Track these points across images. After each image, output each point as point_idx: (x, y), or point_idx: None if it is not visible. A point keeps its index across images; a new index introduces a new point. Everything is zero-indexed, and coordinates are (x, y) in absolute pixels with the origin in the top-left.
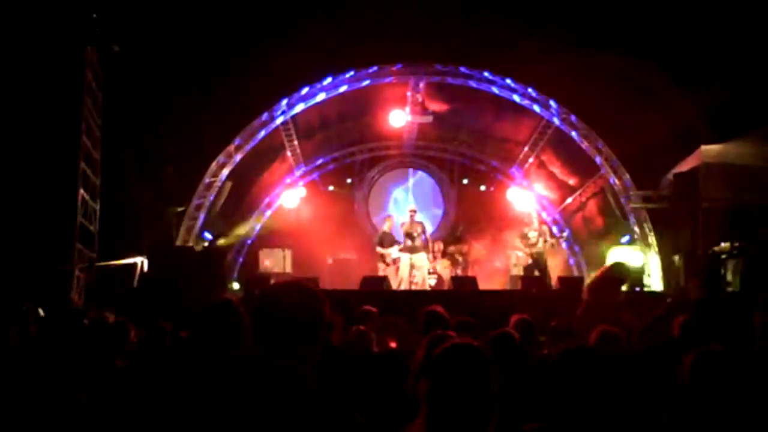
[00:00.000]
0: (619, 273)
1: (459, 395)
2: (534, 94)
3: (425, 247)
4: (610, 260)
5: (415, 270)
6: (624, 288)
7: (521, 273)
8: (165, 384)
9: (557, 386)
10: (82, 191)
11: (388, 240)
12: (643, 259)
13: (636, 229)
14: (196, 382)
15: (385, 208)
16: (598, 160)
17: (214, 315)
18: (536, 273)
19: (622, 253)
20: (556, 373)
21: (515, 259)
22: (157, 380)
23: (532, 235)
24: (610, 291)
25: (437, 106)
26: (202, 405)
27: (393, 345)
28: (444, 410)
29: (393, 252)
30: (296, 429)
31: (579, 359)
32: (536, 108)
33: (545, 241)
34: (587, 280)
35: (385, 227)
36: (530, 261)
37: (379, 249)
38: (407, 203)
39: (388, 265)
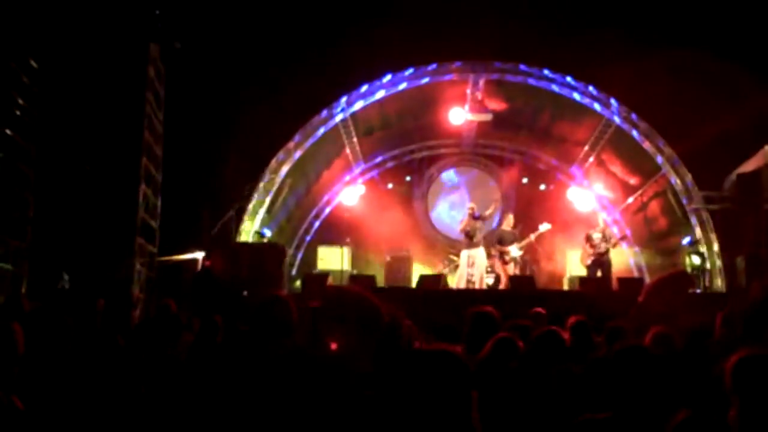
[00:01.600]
0: (682, 281)
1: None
2: (594, 92)
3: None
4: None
5: (472, 268)
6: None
7: (581, 273)
8: (216, 376)
9: (611, 385)
10: (143, 186)
11: (508, 238)
12: (704, 261)
13: (698, 230)
14: (248, 372)
15: (445, 205)
16: (659, 159)
17: (264, 309)
18: (599, 274)
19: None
20: (610, 372)
21: (576, 259)
22: (210, 372)
23: (597, 237)
24: (670, 295)
25: (496, 104)
26: (251, 393)
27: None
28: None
29: (513, 250)
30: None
31: (632, 358)
32: (596, 106)
33: (609, 242)
34: (647, 283)
35: (504, 225)
36: (591, 262)
37: (498, 246)
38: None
39: (506, 263)
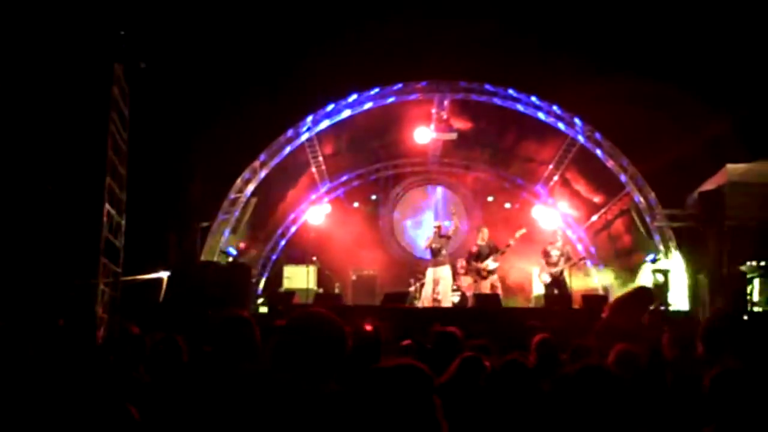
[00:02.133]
0: (644, 297)
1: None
2: (559, 112)
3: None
4: (636, 282)
5: (438, 286)
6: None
7: (543, 291)
8: (178, 397)
9: (573, 405)
10: (107, 206)
11: (484, 252)
12: (668, 278)
13: (661, 247)
14: (207, 395)
15: (410, 224)
16: (623, 178)
17: (226, 329)
18: (555, 291)
19: (649, 273)
20: (572, 392)
21: (537, 276)
22: (172, 393)
23: (555, 253)
24: (633, 312)
25: (462, 124)
26: (211, 417)
27: None
28: None
29: (489, 263)
30: None
31: (593, 378)
32: (561, 126)
33: (567, 260)
34: (611, 300)
35: (479, 240)
36: (550, 279)
37: (474, 264)
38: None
39: (484, 278)
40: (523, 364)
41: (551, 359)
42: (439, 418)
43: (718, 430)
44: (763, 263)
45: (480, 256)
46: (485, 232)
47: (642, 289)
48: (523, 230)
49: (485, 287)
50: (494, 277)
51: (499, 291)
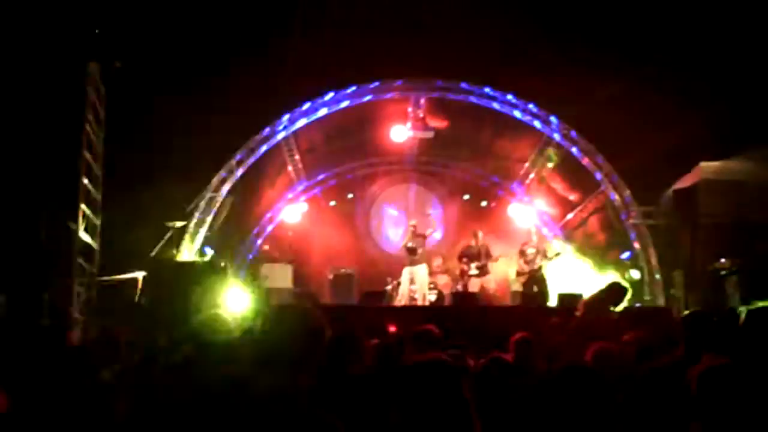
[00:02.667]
0: (617, 292)
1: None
2: (535, 110)
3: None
4: (609, 279)
5: (415, 285)
6: (619, 307)
7: (521, 289)
8: (156, 399)
9: (555, 404)
10: (83, 206)
11: (473, 253)
12: (643, 275)
13: (636, 244)
14: (185, 399)
15: (387, 222)
16: (598, 176)
17: (201, 330)
18: (534, 289)
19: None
20: (554, 391)
21: (515, 275)
22: (149, 395)
23: (531, 252)
24: (605, 309)
25: (438, 122)
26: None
27: None
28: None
29: (472, 268)
30: None
31: (575, 378)
32: (537, 124)
33: (544, 258)
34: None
35: (472, 241)
36: (526, 279)
37: (460, 263)
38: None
39: (466, 279)
40: (506, 362)
41: (529, 358)
42: (473, 414)
43: (706, 427)
44: (737, 260)
45: (466, 257)
46: (479, 235)
47: (615, 285)
48: (499, 256)
49: (473, 287)
50: (487, 278)
51: (494, 293)
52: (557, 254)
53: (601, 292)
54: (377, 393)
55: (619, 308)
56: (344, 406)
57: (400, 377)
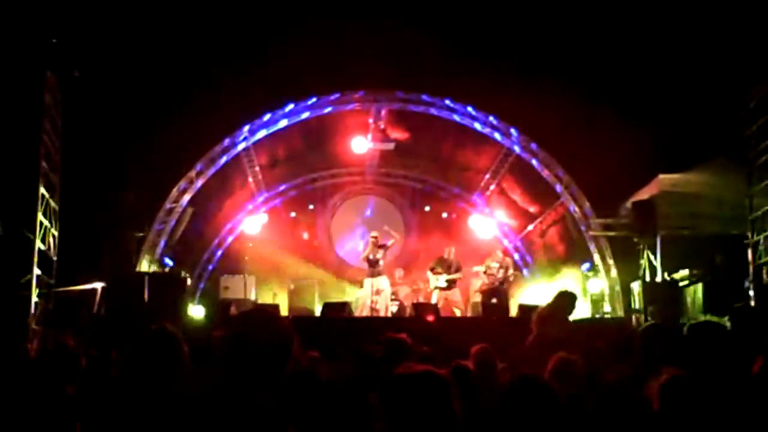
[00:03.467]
0: (567, 299)
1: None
2: (495, 122)
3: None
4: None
5: (376, 295)
6: (572, 316)
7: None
8: (111, 413)
9: (509, 415)
10: (40, 216)
11: (442, 266)
12: (602, 286)
13: (596, 256)
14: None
15: (348, 233)
16: (558, 188)
17: (149, 344)
18: (494, 300)
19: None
20: (508, 402)
21: (476, 286)
22: (104, 409)
23: (494, 266)
24: (559, 319)
25: (399, 134)
26: None
27: None
28: None
29: (440, 281)
30: None
31: (528, 389)
32: (497, 136)
33: (507, 271)
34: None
35: (445, 254)
36: (487, 289)
37: (428, 273)
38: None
39: (432, 291)
40: (469, 370)
41: (490, 369)
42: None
43: None
44: (695, 271)
45: (434, 269)
46: (452, 250)
47: (564, 293)
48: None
49: (438, 300)
50: (451, 293)
51: (459, 307)
52: (517, 273)
53: (552, 302)
54: (360, 403)
55: (574, 317)
56: (319, 416)
57: (388, 388)
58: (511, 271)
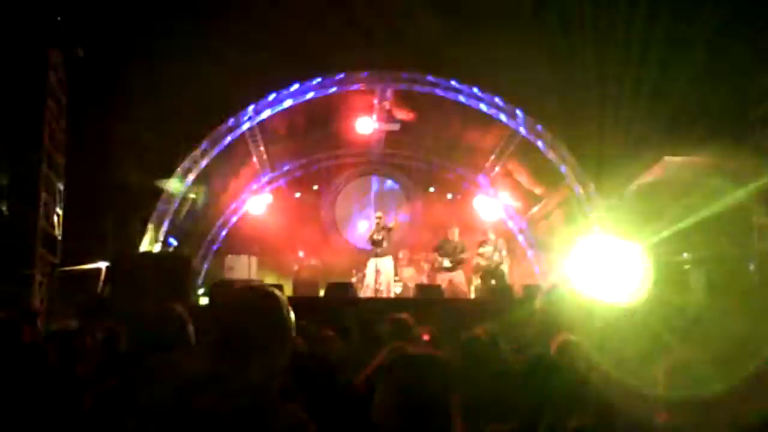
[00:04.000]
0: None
1: (415, 407)
2: (500, 103)
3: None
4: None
5: (381, 276)
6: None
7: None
8: (119, 394)
9: (521, 394)
10: (44, 195)
11: (447, 248)
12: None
13: None
14: (146, 395)
15: (352, 214)
16: (563, 169)
17: (155, 323)
18: (492, 282)
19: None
20: (520, 380)
21: (473, 270)
22: (113, 390)
23: (488, 249)
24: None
25: (404, 114)
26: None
27: None
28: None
29: (444, 262)
30: None
31: (540, 367)
32: (503, 117)
33: (501, 252)
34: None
35: (449, 236)
36: (484, 273)
37: (434, 255)
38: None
39: (437, 272)
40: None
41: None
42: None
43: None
44: (699, 254)
45: (440, 250)
46: (455, 231)
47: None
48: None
49: (440, 280)
50: (455, 275)
51: (463, 288)
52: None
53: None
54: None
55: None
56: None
57: (390, 368)
58: (504, 252)
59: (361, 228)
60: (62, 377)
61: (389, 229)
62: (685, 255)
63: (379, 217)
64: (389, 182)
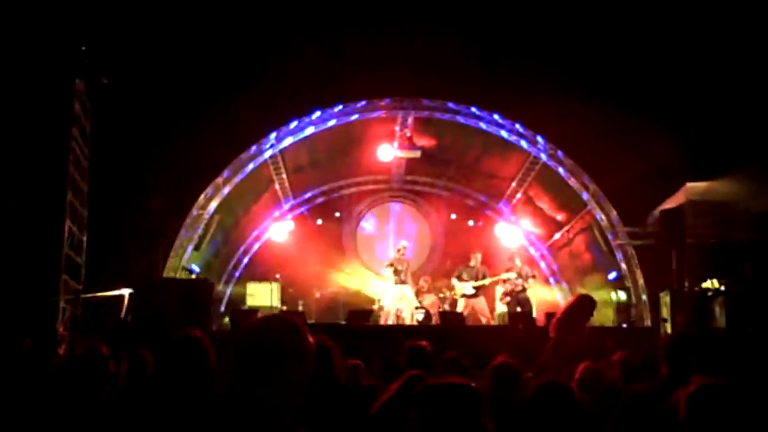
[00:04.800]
0: (585, 304)
1: None
2: (521, 130)
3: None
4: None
5: (401, 302)
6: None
7: (506, 308)
8: (145, 419)
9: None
10: (68, 222)
11: (470, 274)
12: (629, 296)
13: (623, 265)
14: (165, 421)
15: (374, 242)
16: (585, 196)
17: (175, 350)
18: (518, 309)
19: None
20: (530, 411)
21: (500, 295)
22: (139, 415)
23: (513, 276)
24: (579, 323)
25: (425, 141)
26: None
27: None
28: None
29: (467, 288)
30: None
31: (552, 397)
32: (523, 143)
33: (526, 279)
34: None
35: (471, 262)
36: (510, 300)
37: (453, 281)
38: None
39: (458, 298)
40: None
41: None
42: None
43: None
44: (723, 281)
45: (461, 276)
46: (478, 257)
47: (582, 297)
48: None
49: (461, 307)
50: (477, 301)
51: (486, 315)
52: (532, 276)
53: (568, 308)
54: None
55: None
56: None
57: (420, 398)
58: (531, 279)
59: (382, 255)
60: (85, 402)
61: (408, 262)
62: (709, 281)
63: (403, 248)
64: (410, 209)
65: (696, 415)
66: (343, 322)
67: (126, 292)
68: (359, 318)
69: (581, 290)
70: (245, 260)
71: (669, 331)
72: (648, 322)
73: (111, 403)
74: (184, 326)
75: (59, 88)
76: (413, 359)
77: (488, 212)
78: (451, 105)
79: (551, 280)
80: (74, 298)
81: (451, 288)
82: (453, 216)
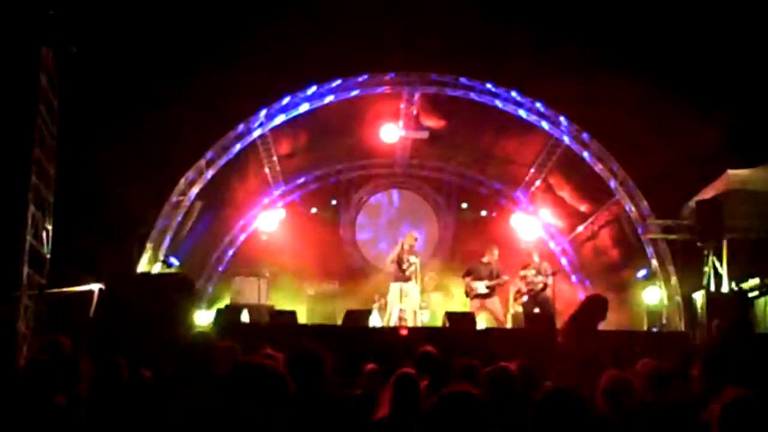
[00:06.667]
0: (594, 307)
1: None
2: (542, 109)
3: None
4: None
5: (404, 303)
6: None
7: (521, 309)
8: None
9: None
10: (32, 208)
11: (483, 271)
12: (661, 296)
13: (654, 262)
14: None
15: (375, 233)
16: (612, 184)
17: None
18: (536, 310)
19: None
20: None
21: (514, 296)
22: (111, 420)
23: (531, 273)
24: (590, 326)
25: (434, 121)
26: None
27: None
28: None
29: (480, 287)
30: None
31: (558, 407)
32: (544, 124)
33: (546, 277)
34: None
35: (485, 258)
36: (527, 299)
37: (465, 279)
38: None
39: (470, 299)
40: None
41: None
42: None
43: None
44: (766, 280)
45: (473, 274)
46: (495, 252)
47: (592, 298)
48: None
49: (475, 309)
50: (491, 301)
51: (500, 317)
52: (555, 273)
53: (579, 308)
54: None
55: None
56: None
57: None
58: (550, 278)
59: (384, 248)
60: (42, 407)
61: (416, 254)
62: (750, 280)
63: (414, 239)
64: (416, 198)
65: (729, 428)
66: (339, 323)
67: (96, 287)
68: (357, 319)
69: (605, 289)
70: (230, 253)
71: (705, 337)
72: (681, 327)
73: (73, 410)
74: (159, 326)
75: (23, 57)
76: (423, 369)
77: (503, 201)
78: (463, 80)
79: (573, 277)
80: (38, 294)
81: (462, 286)
82: (464, 205)
